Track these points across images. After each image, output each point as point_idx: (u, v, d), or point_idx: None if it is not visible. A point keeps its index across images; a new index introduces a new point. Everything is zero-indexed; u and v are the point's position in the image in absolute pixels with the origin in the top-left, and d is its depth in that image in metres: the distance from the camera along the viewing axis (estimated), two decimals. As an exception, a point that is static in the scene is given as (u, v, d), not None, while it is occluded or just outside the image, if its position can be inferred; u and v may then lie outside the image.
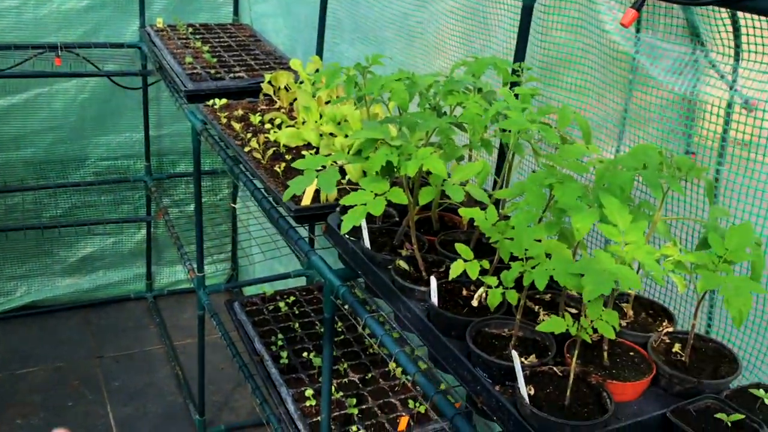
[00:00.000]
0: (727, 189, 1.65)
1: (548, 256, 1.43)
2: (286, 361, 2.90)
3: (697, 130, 1.71)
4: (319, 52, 3.51)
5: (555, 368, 1.44)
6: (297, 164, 1.73)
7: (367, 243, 1.89)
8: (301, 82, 3.03)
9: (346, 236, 1.99)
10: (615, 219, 1.35)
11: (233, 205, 5.05)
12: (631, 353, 1.51)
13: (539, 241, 1.46)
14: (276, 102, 3.13)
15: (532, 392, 1.38)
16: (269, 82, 3.12)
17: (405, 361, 1.75)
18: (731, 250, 1.39)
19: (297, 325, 3.17)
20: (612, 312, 1.34)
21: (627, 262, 1.31)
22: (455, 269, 1.59)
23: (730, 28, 1.57)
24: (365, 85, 1.85)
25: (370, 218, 2.03)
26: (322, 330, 3.15)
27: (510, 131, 1.74)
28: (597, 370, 1.45)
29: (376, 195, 1.64)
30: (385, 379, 2.87)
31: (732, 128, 1.61)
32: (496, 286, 1.51)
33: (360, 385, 2.82)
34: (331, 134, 2.64)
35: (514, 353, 1.36)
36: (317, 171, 1.69)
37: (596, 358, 1.48)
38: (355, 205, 1.63)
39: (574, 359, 1.37)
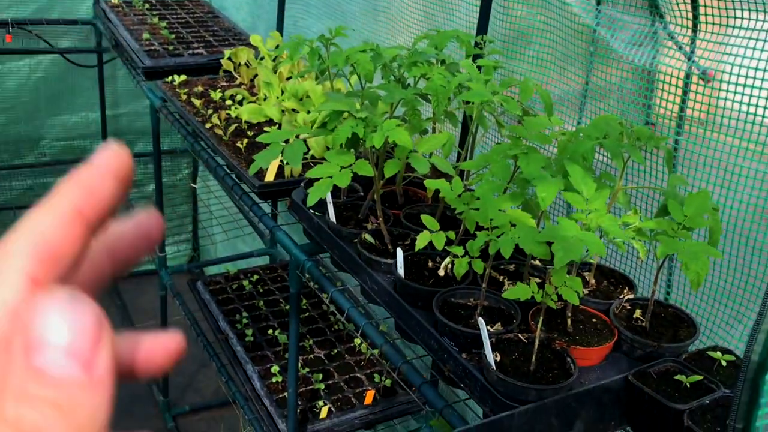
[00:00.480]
0: (685, 159, 1.68)
1: (513, 225, 1.45)
2: (251, 339, 2.90)
3: (656, 101, 1.74)
4: (279, 27, 3.47)
5: (520, 335, 1.47)
6: (262, 138, 1.71)
7: (332, 217, 1.89)
8: (262, 58, 3.00)
9: (312, 211, 1.99)
10: (579, 187, 1.37)
11: (193, 185, 5.00)
12: (594, 320, 1.54)
13: (504, 211, 1.48)
14: (236, 78, 3.09)
15: (498, 359, 1.40)
16: (229, 58, 3.08)
17: (372, 332, 1.76)
18: (690, 216, 1.42)
19: (261, 303, 3.17)
20: (575, 278, 1.36)
21: (591, 229, 1.33)
22: (421, 240, 1.61)
23: (688, 0, 1.60)
24: (329, 57, 1.84)
25: (334, 193, 2.03)
26: (286, 307, 3.15)
27: (473, 103, 1.75)
28: (561, 336, 1.47)
29: (342, 168, 1.64)
30: (351, 355, 2.89)
31: (690, 99, 1.65)
32: (462, 256, 1.52)
33: (326, 360, 2.84)
34: (293, 110, 2.62)
35: (481, 320, 1.38)
36: (283, 144, 1.68)
37: (560, 325, 1.51)
38: (321, 178, 1.63)
39: (539, 325, 1.40)
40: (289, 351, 2.24)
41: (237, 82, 3.07)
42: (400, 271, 1.63)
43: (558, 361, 1.41)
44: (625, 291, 1.63)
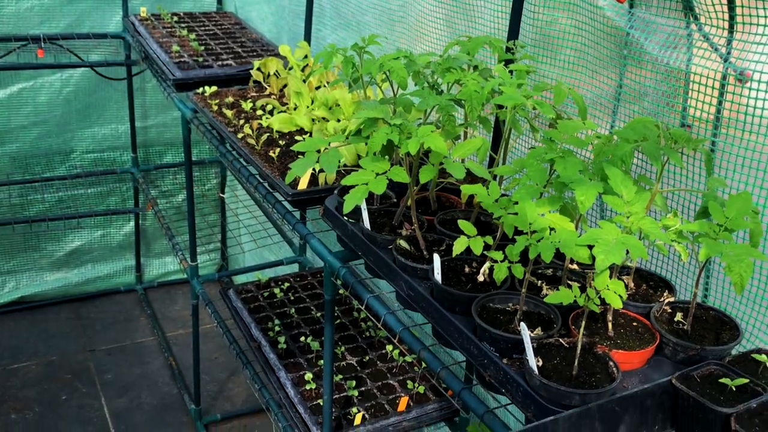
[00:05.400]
0: (722, 160, 1.67)
1: (552, 229, 1.45)
2: (284, 346, 2.91)
3: (692, 103, 1.73)
4: (307, 38, 3.50)
5: (561, 340, 1.46)
6: (297, 147, 1.73)
7: (367, 224, 1.90)
8: (291, 68, 3.03)
9: (346, 218, 2.00)
10: (619, 190, 1.37)
11: (222, 195, 5.04)
12: (635, 323, 1.54)
13: (543, 215, 1.48)
14: (266, 88, 3.12)
15: (540, 364, 1.40)
16: (258, 69, 3.11)
17: (410, 338, 1.76)
18: (731, 218, 1.41)
19: (293, 310, 3.18)
20: (618, 282, 1.36)
21: (632, 232, 1.33)
22: (459, 245, 1.61)
23: (724, 1, 1.59)
24: (362, 65, 1.85)
25: (368, 200, 2.04)
26: (318, 315, 3.16)
27: (506, 107, 1.75)
28: (602, 340, 1.47)
29: (377, 174, 1.64)
30: (383, 362, 2.89)
31: (726, 100, 1.64)
32: (502, 261, 1.52)
33: (358, 367, 2.84)
34: (323, 119, 2.64)
35: (523, 325, 1.38)
36: (318, 152, 1.69)
37: (601, 329, 1.50)
38: (357, 185, 1.64)
39: (582, 329, 1.39)
40: (324, 357, 2.24)
41: (267, 92, 3.10)
42: (438, 276, 1.64)
43: (600, 365, 1.41)
44: (665, 294, 1.62)
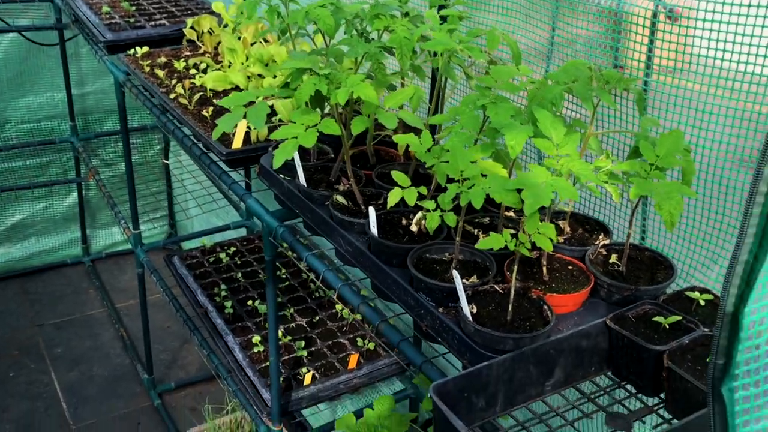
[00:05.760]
0: (655, 100, 1.66)
1: (484, 176, 1.42)
2: (231, 311, 2.87)
3: (624, 43, 1.71)
4: (242, -6, 3.39)
5: (496, 287, 1.45)
6: (223, 102, 1.67)
7: (302, 180, 1.86)
8: (225, 25, 2.93)
9: (282, 176, 1.95)
10: (549, 132, 1.35)
11: (165, 161, 4.92)
12: (570, 267, 1.53)
13: (475, 162, 1.45)
14: (200, 47, 3.02)
15: (474, 310, 1.38)
16: (192, 27, 3.01)
17: (349, 294, 1.74)
18: (662, 157, 1.40)
19: (240, 274, 3.14)
20: (549, 225, 1.34)
21: (563, 175, 1.31)
22: (393, 197, 1.58)
23: (652, -63, 1.56)
24: (288, 15, 1.79)
25: (303, 156, 1.99)
26: (265, 278, 3.12)
27: (440, 55, 1.71)
28: (537, 285, 1.46)
29: (307, 127, 1.60)
30: (333, 321, 2.87)
31: (658, 39, 1.62)
32: (434, 210, 1.50)
33: (308, 328, 2.82)
34: (259, 75, 2.57)
35: (455, 272, 1.36)
36: (245, 107, 1.63)
37: (536, 274, 1.49)
38: (287, 139, 1.59)
39: (514, 275, 1.38)
40: (268, 319, 2.21)
41: (201, 50, 3.00)
42: (374, 229, 1.60)
43: (535, 309, 1.40)
44: (600, 237, 1.61)
